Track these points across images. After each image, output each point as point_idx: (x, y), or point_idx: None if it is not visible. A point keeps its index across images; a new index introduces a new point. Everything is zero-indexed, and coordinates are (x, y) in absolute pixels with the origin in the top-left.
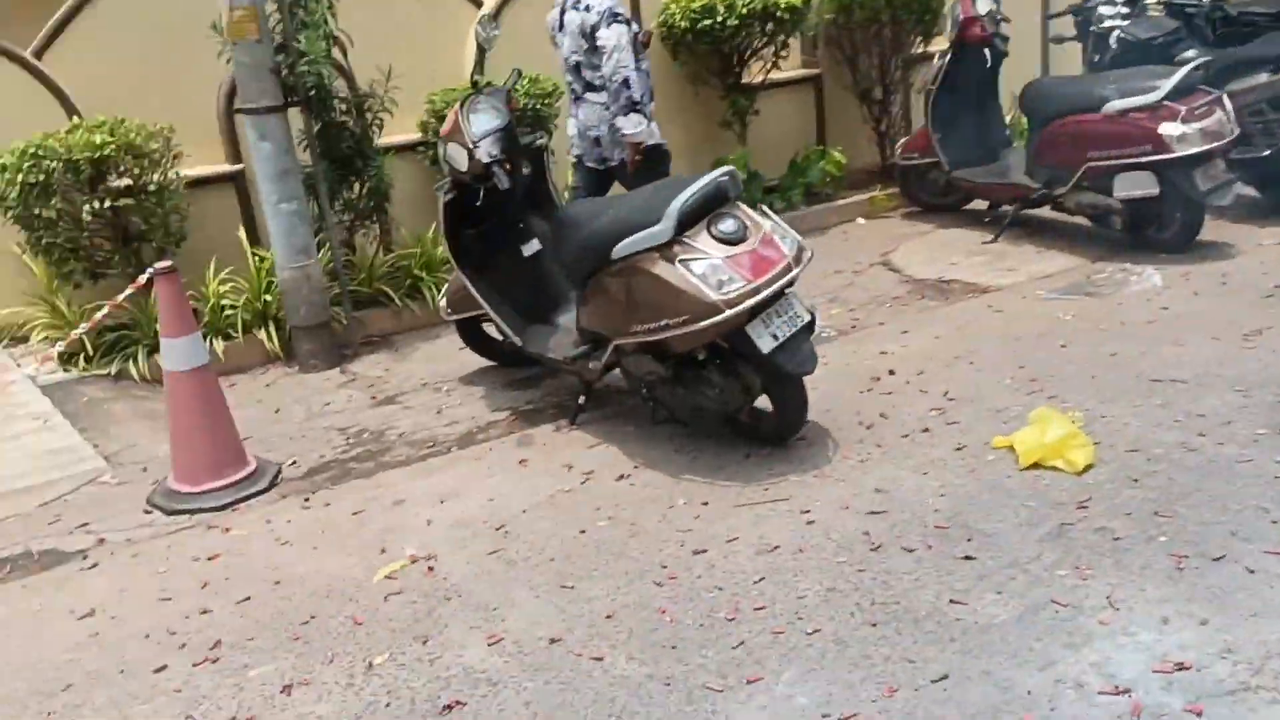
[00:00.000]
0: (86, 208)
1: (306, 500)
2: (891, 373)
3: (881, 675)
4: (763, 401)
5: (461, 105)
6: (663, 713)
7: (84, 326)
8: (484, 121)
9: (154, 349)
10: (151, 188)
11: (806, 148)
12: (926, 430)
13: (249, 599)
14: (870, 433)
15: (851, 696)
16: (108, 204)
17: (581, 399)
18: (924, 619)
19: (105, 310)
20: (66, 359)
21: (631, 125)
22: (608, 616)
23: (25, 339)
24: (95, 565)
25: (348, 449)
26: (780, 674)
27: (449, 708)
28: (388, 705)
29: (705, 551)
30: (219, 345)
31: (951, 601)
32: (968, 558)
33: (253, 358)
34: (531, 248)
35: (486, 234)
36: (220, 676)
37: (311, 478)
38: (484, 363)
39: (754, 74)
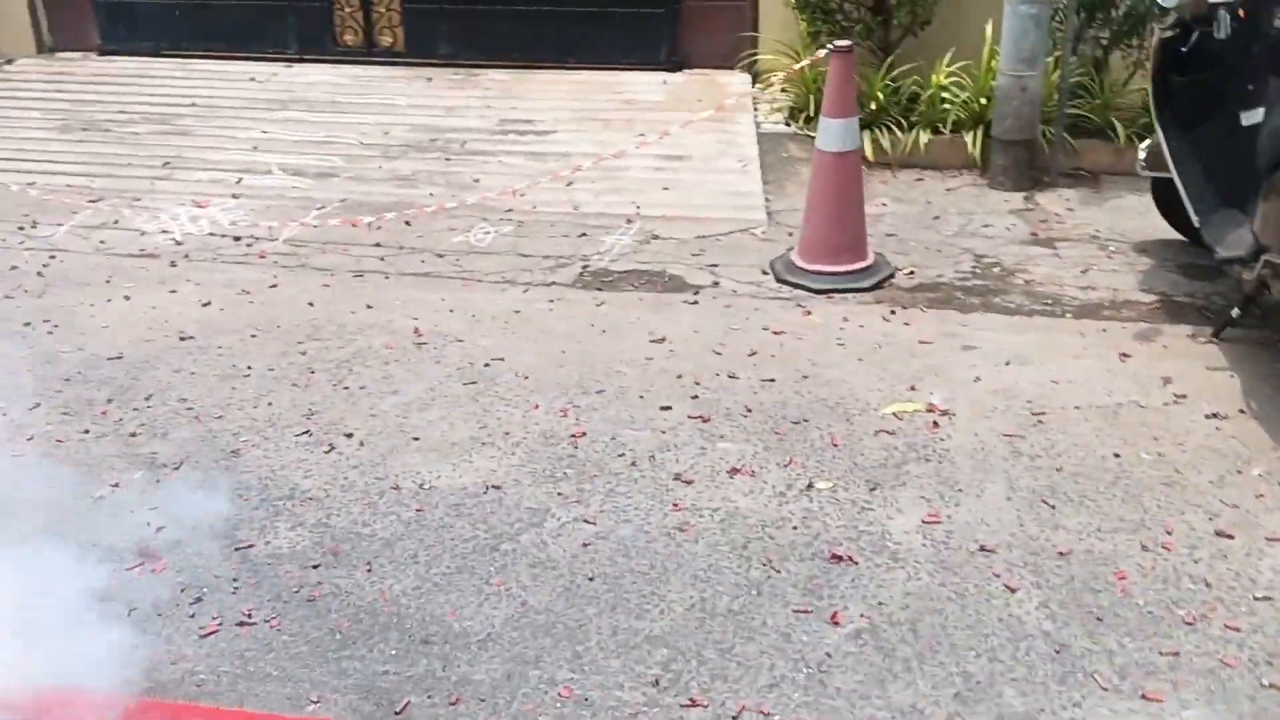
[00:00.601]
0: None
1: (892, 312)
2: None
3: None
4: None
5: None
6: (1025, 674)
7: (773, 78)
8: None
9: (863, 125)
10: None
11: None
12: None
13: (772, 381)
14: None
15: None
16: None
17: (1235, 311)
18: None
19: (782, 75)
20: (791, 114)
21: None
22: (1062, 553)
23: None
24: (695, 302)
25: (968, 277)
26: (1188, 705)
27: (838, 559)
28: (795, 528)
29: (1231, 538)
30: (924, 138)
31: None
32: None
33: (951, 158)
34: (1254, 117)
35: (1202, 87)
36: (698, 436)
37: (915, 293)
38: (1173, 234)
39: None
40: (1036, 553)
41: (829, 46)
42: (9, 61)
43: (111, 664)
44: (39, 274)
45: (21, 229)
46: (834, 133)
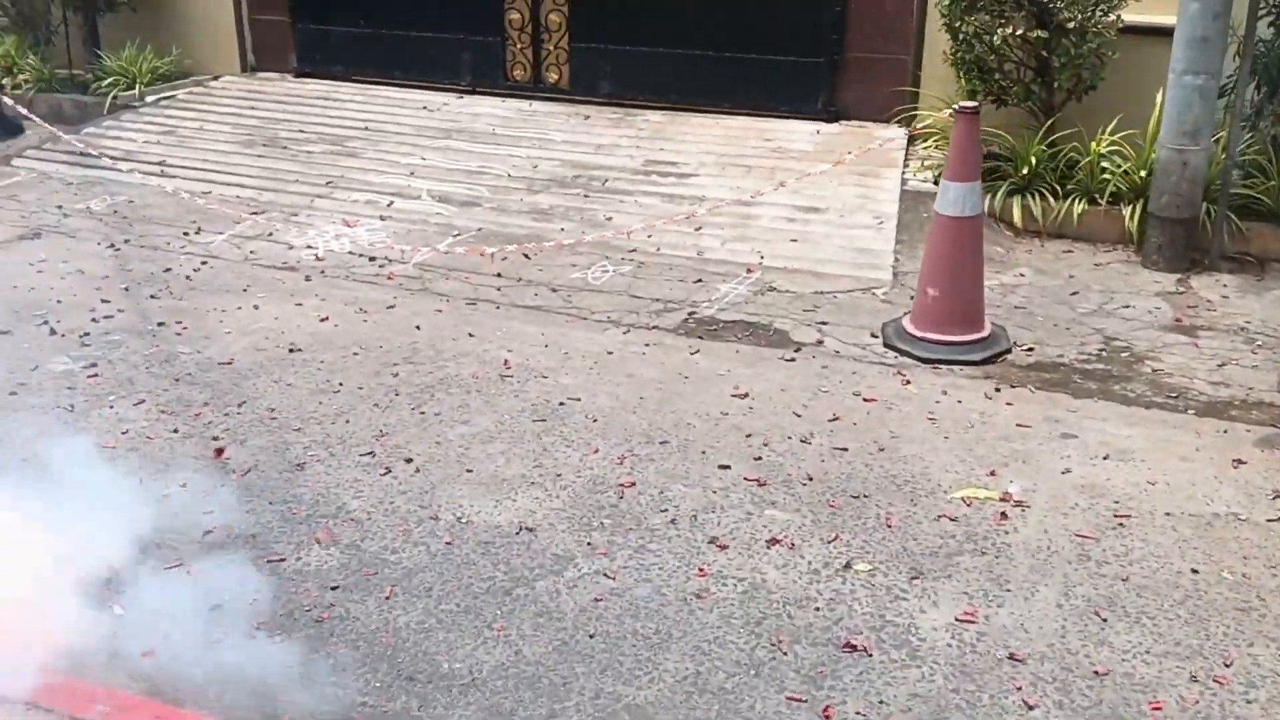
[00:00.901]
0: (1000, 31)
1: (997, 389)
2: None
3: None
4: None
5: None
6: None
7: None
8: None
9: (1015, 190)
10: (1071, 25)
11: None
12: None
13: (844, 450)
14: None
15: None
16: (1019, 32)
17: None
18: None
19: (926, 131)
20: (940, 171)
21: None
22: (1098, 673)
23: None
24: (793, 360)
25: (1092, 360)
26: None
27: (852, 648)
28: (817, 609)
29: None
30: (1076, 208)
31: None
32: None
33: (1106, 231)
34: None
35: None
36: (748, 499)
37: (1028, 371)
38: None
39: None
40: (1070, 669)
41: (955, 106)
42: (215, 78)
43: (103, 654)
44: (187, 277)
45: (186, 234)
46: (953, 196)
